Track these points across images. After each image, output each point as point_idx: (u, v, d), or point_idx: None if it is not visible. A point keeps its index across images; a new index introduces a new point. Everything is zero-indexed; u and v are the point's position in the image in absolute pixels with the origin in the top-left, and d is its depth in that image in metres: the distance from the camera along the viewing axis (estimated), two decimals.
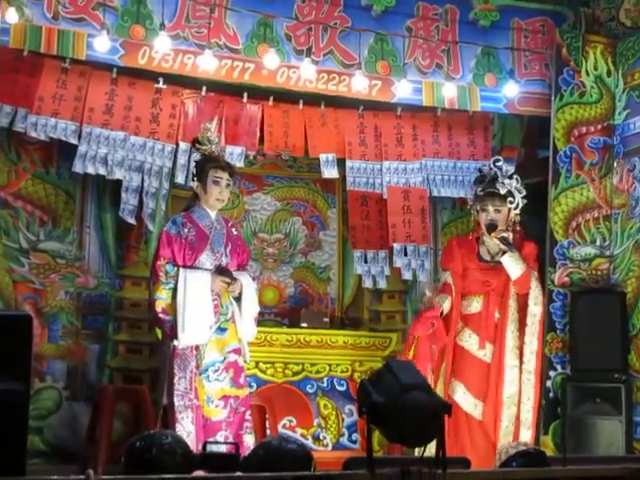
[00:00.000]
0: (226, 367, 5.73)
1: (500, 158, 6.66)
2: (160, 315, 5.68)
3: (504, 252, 6.24)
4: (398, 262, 7.55)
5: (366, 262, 7.62)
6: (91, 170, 6.84)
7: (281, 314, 7.79)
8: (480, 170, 6.58)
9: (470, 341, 6.29)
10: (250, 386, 6.64)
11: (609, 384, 6.68)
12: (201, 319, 5.64)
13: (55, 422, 6.94)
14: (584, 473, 3.38)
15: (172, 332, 5.65)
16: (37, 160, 7.11)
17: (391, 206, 7.61)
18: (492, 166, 6.42)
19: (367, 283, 7.65)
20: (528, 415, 6.20)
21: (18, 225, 7.01)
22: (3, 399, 2.67)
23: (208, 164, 5.88)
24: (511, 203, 6.33)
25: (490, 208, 6.32)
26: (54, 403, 6.98)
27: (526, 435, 6.15)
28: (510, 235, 6.23)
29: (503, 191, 6.31)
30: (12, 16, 6.00)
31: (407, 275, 7.59)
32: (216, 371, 5.69)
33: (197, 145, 6.03)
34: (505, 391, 6.18)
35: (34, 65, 6.64)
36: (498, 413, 6.14)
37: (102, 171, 6.85)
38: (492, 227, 6.28)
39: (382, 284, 7.64)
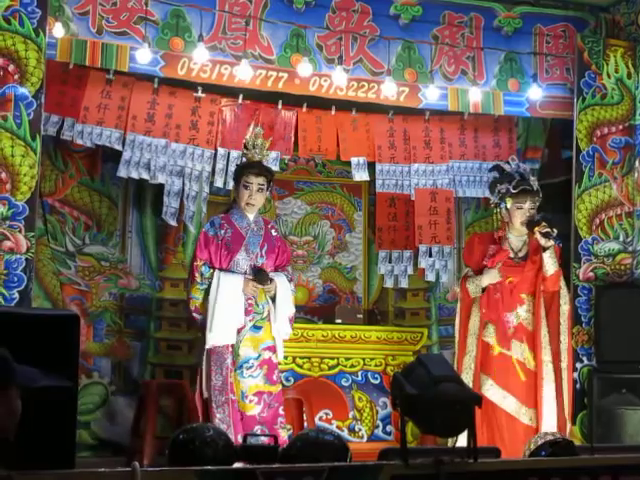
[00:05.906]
0: (260, 364, 5.70)
1: (515, 157, 6.50)
2: (193, 314, 5.74)
3: (545, 248, 6.08)
4: (423, 263, 7.55)
5: (390, 262, 7.60)
6: (135, 175, 6.89)
7: (311, 312, 7.76)
8: (501, 168, 6.29)
9: (494, 336, 6.19)
10: (287, 380, 6.64)
11: (634, 375, 6.64)
12: (229, 321, 5.62)
13: (102, 416, 6.96)
14: (612, 462, 3.32)
15: (203, 331, 5.66)
16: (82, 168, 7.15)
17: (418, 208, 7.59)
18: (512, 164, 6.27)
19: (388, 283, 7.67)
20: (568, 408, 6.12)
21: (65, 230, 7.05)
22: (53, 395, 2.65)
23: (244, 169, 5.86)
24: (540, 199, 6.22)
25: (527, 205, 6.13)
26: (100, 398, 7.00)
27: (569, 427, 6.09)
28: (555, 231, 6.08)
29: (535, 188, 6.20)
30: (59, 31, 6.05)
31: (430, 277, 7.59)
32: (250, 367, 5.67)
33: (244, 150, 5.99)
34: (545, 387, 6.07)
35: (80, 77, 6.71)
36: (540, 410, 6.02)
37: (145, 176, 6.91)
38: (536, 222, 6.05)
39: (404, 284, 7.64)
